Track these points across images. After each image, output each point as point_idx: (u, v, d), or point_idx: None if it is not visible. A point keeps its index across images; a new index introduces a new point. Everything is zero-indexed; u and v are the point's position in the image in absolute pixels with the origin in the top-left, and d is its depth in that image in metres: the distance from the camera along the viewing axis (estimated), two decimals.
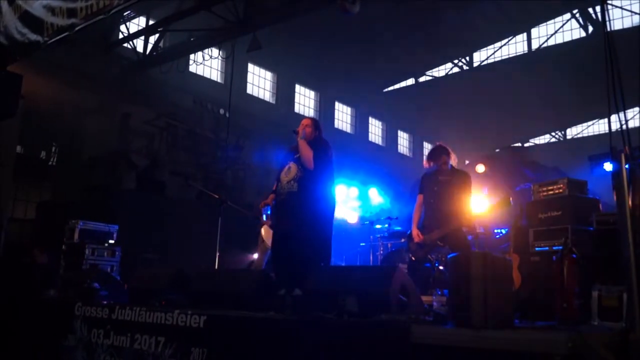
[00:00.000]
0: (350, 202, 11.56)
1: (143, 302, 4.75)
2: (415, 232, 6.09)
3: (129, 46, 13.53)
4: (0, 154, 8.23)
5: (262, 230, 7.64)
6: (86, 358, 4.70)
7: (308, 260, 4.83)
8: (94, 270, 7.06)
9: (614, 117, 3.38)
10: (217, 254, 6.91)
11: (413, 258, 6.10)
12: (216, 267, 6.84)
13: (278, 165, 5.59)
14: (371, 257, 9.80)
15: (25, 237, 10.44)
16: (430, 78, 22.34)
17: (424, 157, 6.50)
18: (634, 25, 18.72)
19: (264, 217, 6.86)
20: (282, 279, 4.89)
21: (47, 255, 8.02)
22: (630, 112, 20.72)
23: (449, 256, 3.36)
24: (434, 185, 6.13)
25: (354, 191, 11.83)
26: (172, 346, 4.06)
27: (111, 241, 8.03)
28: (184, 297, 4.81)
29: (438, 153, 6.19)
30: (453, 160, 6.23)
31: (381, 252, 9.54)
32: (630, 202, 3.21)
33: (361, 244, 10.52)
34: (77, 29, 5.51)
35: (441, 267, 5.80)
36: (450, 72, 22.05)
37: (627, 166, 3.26)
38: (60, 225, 8.18)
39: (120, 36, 13.46)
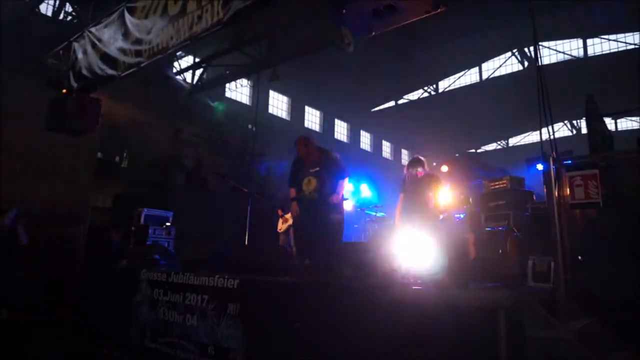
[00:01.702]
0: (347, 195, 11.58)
1: (192, 269, 4.78)
2: (398, 221, 6.06)
3: (180, 78, 13.57)
4: (86, 159, 8.24)
5: (280, 222, 7.64)
6: (150, 310, 4.73)
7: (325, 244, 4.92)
8: (155, 245, 7.07)
9: (544, 130, 3.38)
10: (247, 233, 6.93)
11: None
12: (246, 243, 6.86)
13: (290, 168, 5.58)
14: (362, 236, 9.80)
15: (105, 221, 10.48)
16: (407, 101, 22.27)
17: (405, 165, 6.47)
18: (559, 61, 18.71)
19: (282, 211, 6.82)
20: (301, 253, 4.92)
21: (120, 234, 8.05)
22: (556, 126, 20.56)
23: None
24: (412, 186, 6.14)
25: (350, 187, 11.84)
26: (214, 302, 4.08)
27: (168, 224, 8.04)
28: (222, 266, 4.83)
29: (415, 163, 6.23)
30: (425, 166, 6.24)
31: (370, 231, 9.54)
32: (556, 193, 3.21)
33: (355, 226, 10.51)
34: (142, 65, 5.52)
35: None
36: (422, 96, 21.99)
37: (554, 167, 3.26)
38: (130, 212, 8.20)
39: (174, 70, 13.49)
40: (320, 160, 5.35)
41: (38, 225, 7.32)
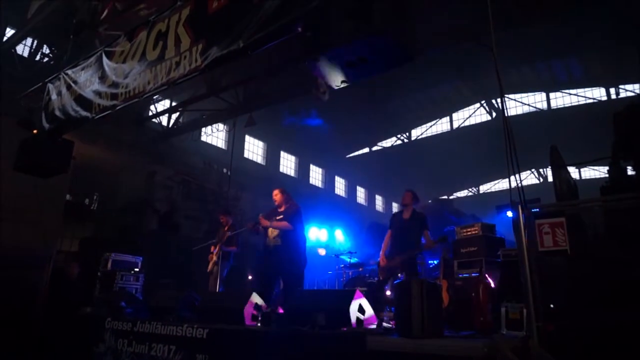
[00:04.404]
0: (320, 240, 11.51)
1: (160, 317, 4.59)
2: (382, 257, 5.92)
3: (156, 121, 13.55)
4: (54, 200, 7.98)
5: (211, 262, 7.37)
6: None
7: (289, 288, 5.22)
8: (122, 292, 6.81)
9: (513, 178, 3.47)
10: (218, 279, 6.74)
11: (381, 277, 5.94)
12: (217, 289, 6.67)
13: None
14: (336, 282, 9.66)
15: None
16: (380, 148, 22.73)
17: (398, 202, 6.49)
18: (524, 112, 19.61)
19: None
20: (266, 299, 4.84)
21: (78, 266, 7.70)
22: (524, 174, 21.26)
23: (395, 282, 3.33)
24: (399, 223, 6.01)
25: (324, 232, 11.79)
26: (181, 353, 3.91)
27: (136, 269, 7.78)
28: (191, 314, 4.66)
29: (404, 196, 6.17)
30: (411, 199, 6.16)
31: (344, 278, 9.40)
32: (525, 241, 3.26)
33: (329, 272, 10.38)
34: (117, 108, 5.47)
35: (388, 292, 5.72)
36: (395, 144, 22.50)
37: (523, 215, 3.33)
38: (97, 257, 7.92)
39: (150, 113, 13.49)
40: (286, 210, 5.69)
41: None
